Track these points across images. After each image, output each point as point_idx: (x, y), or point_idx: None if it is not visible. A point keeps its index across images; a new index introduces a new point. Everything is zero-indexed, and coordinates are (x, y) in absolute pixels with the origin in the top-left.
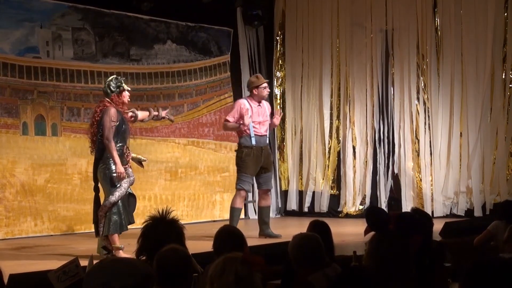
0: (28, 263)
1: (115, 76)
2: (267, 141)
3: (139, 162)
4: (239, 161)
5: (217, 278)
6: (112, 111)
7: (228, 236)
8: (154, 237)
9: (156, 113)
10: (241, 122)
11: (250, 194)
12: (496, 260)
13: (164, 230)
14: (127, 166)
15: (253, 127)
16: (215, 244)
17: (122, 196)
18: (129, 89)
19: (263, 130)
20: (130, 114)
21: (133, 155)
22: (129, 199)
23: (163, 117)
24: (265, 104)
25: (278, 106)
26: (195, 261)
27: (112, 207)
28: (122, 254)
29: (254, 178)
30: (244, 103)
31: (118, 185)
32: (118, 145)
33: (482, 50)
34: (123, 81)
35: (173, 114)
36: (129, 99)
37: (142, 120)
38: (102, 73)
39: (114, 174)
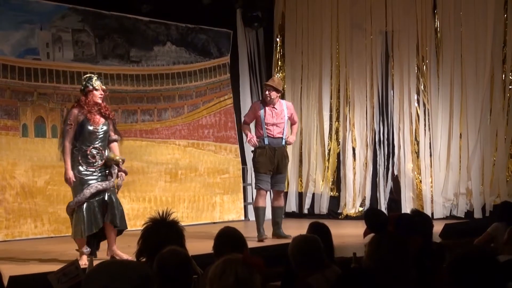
0: (28, 265)
1: (89, 75)
2: (283, 143)
3: (116, 163)
4: (253, 162)
5: (217, 279)
6: (72, 112)
7: (228, 238)
8: (154, 239)
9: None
10: (247, 136)
11: (249, 196)
12: (477, 254)
13: (164, 232)
14: (94, 168)
15: (266, 128)
16: (215, 246)
17: (79, 201)
18: (103, 88)
19: (276, 132)
20: (115, 136)
21: (110, 155)
22: (103, 203)
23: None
24: (284, 106)
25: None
26: (195, 263)
27: (76, 211)
28: (84, 258)
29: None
30: (258, 104)
31: (81, 189)
32: (82, 148)
33: (482, 52)
34: (94, 80)
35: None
36: (98, 100)
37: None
38: (102, 75)
39: (79, 176)
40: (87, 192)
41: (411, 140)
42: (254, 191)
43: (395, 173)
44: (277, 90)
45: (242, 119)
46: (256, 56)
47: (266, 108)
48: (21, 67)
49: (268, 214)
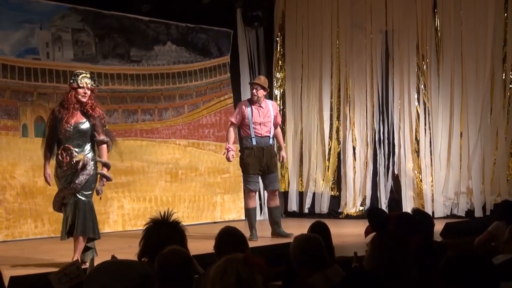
0: (29, 266)
1: (79, 71)
2: (270, 142)
3: (77, 162)
4: (241, 163)
5: (218, 279)
6: (52, 112)
7: (229, 237)
8: (156, 239)
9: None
10: (227, 145)
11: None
12: (468, 255)
13: (166, 232)
14: (66, 169)
15: (254, 128)
16: (217, 245)
17: (54, 203)
18: (90, 86)
19: (264, 131)
20: (101, 137)
21: (80, 155)
22: (72, 209)
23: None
24: (270, 105)
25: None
26: (196, 262)
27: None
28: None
29: (260, 178)
30: (245, 104)
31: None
32: (56, 148)
33: (482, 51)
34: (80, 77)
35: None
36: (81, 98)
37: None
38: (102, 75)
39: (57, 177)
40: (58, 195)
41: (411, 139)
42: None
43: (396, 172)
44: (264, 89)
45: (230, 120)
46: (256, 56)
47: (253, 107)
48: (21, 67)
49: (264, 214)
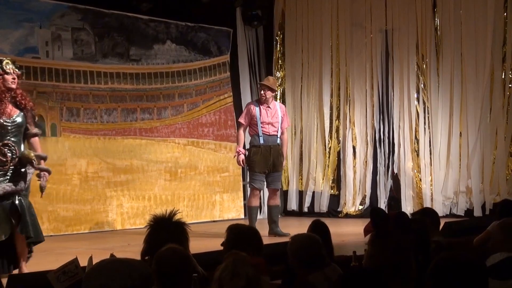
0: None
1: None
2: (277, 141)
3: (29, 161)
4: (248, 160)
5: (228, 281)
6: None
7: (244, 235)
8: (163, 237)
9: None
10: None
11: (249, 194)
12: (457, 258)
13: (173, 231)
14: (6, 167)
15: (262, 127)
16: (228, 242)
17: None
18: (17, 72)
19: (272, 130)
20: (35, 130)
21: (25, 152)
22: (11, 209)
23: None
24: (277, 105)
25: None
26: (195, 261)
27: None
28: None
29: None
30: (253, 104)
31: None
32: None
33: (482, 50)
34: (4, 63)
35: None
36: (11, 85)
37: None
38: (102, 73)
39: None
40: None
41: (411, 139)
42: None
43: (395, 171)
44: (272, 90)
45: (237, 121)
46: (256, 55)
47: (261, 107)
48: (20, 65)
49: (264, 213)
